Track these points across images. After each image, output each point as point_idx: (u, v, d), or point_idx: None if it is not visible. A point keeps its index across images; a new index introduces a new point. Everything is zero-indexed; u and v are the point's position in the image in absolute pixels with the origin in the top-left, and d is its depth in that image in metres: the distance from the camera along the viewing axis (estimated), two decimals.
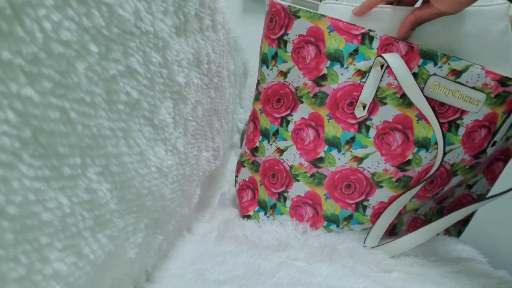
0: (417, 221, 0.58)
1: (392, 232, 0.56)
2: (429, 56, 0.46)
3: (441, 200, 0.57)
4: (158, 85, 0.34)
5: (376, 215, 0.52)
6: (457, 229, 0.61)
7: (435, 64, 0.46)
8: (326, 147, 0.52)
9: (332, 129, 0.51)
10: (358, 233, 0.53)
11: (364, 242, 0.50)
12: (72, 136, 0.21)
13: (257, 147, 0.57)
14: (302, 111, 0.52)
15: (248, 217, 0.58)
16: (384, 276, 0.42)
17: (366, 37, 0.48)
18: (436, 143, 0.48)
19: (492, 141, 0.49)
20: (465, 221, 0.61)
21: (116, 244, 0.28)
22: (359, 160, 0.51)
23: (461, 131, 0.48)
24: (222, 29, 0.61)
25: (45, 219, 0.19)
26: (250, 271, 0.40)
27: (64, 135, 0.21)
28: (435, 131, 0.46)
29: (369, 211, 0.53)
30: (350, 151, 0.51)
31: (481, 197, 0.57)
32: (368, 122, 0.50)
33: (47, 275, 0.20)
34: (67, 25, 0.20)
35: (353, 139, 0.51)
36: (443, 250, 0.52)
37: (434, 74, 0.46)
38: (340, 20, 0.47)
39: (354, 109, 0.49)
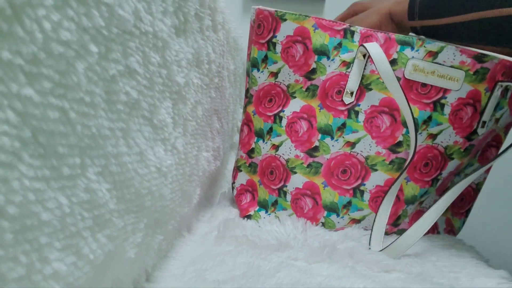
0: (420, 214, 0.58)
1: (396, 223, 0.56)
2: (406, 42, 0.50)
3: (442, 193, 0.58)
4: (157, 85, 0.34)
5: (374, 199, 0.54)
6: (462, 221, 0.61)
7: (412, 48, 0.50)
8: (319, 136, 0.54)
9: (324, 117, 0.54)
10: (359, 233, 0.53)
11: (369, 244, 0.49)
12: (72, 136, 0.21)
13: (253, 148, 0.58)
14: (293, 106, 0.55)
15: (249, 217, 0.58)
16: (384, 276, 0.42)
17: (348, 32, 0.52)
18: (424, 123, 0.51)
19: (482, 121, 0.51)
20: (467, 211, 0.61)
21: (116, 244, 0.28)
22: (352, 145, 0.53)
23: (447, 110, 0.50)
24: (222, 29, 0.61)
25: (45, 219, 0.19)
26: (250, 271, 0.40)
27: (64, 135, 0.21)
28: (405, 114, 0.49)
29: (366, 196, 0.54)
30: (343, 137, 0.54)
31: (479, 186, 0.60)
32: (356, 108, 0.53)
33: (47, 275, 0.20)
34: (67, 25, 0.20)
35: (344, 125, 0.53)
36: (443, 250, 0.52)
37: (413, 58, 0.50)
38: (323, 19, 0.52)
39: (342, 97, 0.53)
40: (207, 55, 0.50)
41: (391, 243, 0.47)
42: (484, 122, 0.51)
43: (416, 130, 0.48)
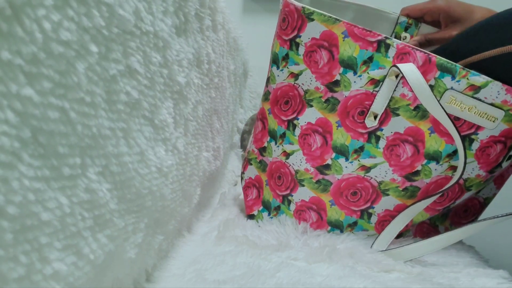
0: (423, 226, 0.57)
1: (398, 237, 0.55)
2: (447, 69, 0.45)
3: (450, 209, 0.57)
4: (158, 85, 0.34)
5: (381, 222, 0.52)
6: None
7: (453, 77, 0.45)
8: (333, 155, 0.51)
9: (341, 137, 0.50)
10: (358, 233, 0.53)
11: (371, 246, 0.49)
12: (72, 136, 0.21)
13: (265, 147, 0.56)
14: (309, 116, 0.51)
15: (252, 216, 0.58)
16: (384, 276, 0.42)
17: (382, 45, 0.46)
18: (447, 156, 0.47)
19: (508, 155, 0.48)
20: (469, 223, 0.60)
21: (116, 244, 0.28)
22: (367, 169, 0.50)
23: (475, 145, 0.47)
24: (222, 29, 0.61)
25: (45, 219, 0.19)
26: (250, 271, 0.40)
27: (64, 135, 0.21)
28: (457, 144, 0.45)
29: (374, 219, 0.52)
30: (358, 160, 0.50)
31: (487, 201, 0.57)
32: (378, 133, 0.48)
33: (47, 275, 0.20)
34: (67, 25, 0.20)
35: (361, 148, 0.49)
36: (443, 250, 0.52)
37: (451, 88, 0.45)
38: (355, 26, 0.46)
39: (364, 119, 0.48)
40: (207, 55, 0.50)
41: (394, 248, 0.47)
42: (511, 156, 0.48)
43: (466, 158, 0.44)
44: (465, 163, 0.44)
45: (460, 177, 0.44)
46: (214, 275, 0.39)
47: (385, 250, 0.48)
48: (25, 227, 0.18)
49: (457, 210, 0.57)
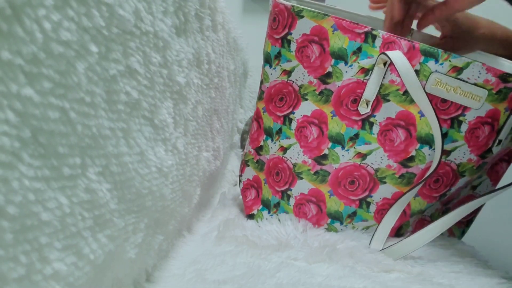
0: (423, 223, 0.57)
1: (399, 233, 0.55)
2: (430, 54, 0.47)
3: (447, 202, 0.57)
4: (158, 85, 0.34)
5: (380, 211, 0.53)
6: (461, 230, 0.60)
7: (436, 61, 0.47)
8: (330, 144, 0.52)
9: (336, 126, 0.52)
10: (359, 233, 0.53)
11: (369, 244, 0.49)
12: (72, 136, 0.21)
13: (261, 146, 0.57)
14: (304, 109, 0.53)
15: (252, 216, 0.58)
16: (384, 276, 0.42)
17: (369, 36, 0.49)
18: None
19: (497, 140, 0.49)
20: (468, 222, 0.60)
21: (116, 244, 0.28)
22: (363, 156, 0.51)
23: (464, 127, 0.48)
24: (222, 29, 0.61)
25: (45, 219, 0.19)
26: (250, 271, 0.40)
27: (64, 135, 0.21)
28: (433, 127, 0.47)
29: (372, 208, 0.53)
30: (354, 148, 0.52)
31: None
32: (371, 119, 0.50)
33: (47, 275, 0.20)
34: (67, 25, 0.20)
35: (356, 135, 0.51)
36: (443, 250, 0.52)
37: (436, 71, 0.47)
38: (343, 19, 0.49)
39: (357, 106, 0.50)
40: (207, 55, 0.50)
41: (391, 245, 0.47)
42: (500, 141, 0.49)
43: (443, 143, 0.46)
44: (442, 149, 0.46)
45: (438, 164, 0.46)
46: (214, 275, 0.39)
47: (385, 248, 0.48)
48: (25, 227, 0.18)
49: (455, 208, 0.57)
